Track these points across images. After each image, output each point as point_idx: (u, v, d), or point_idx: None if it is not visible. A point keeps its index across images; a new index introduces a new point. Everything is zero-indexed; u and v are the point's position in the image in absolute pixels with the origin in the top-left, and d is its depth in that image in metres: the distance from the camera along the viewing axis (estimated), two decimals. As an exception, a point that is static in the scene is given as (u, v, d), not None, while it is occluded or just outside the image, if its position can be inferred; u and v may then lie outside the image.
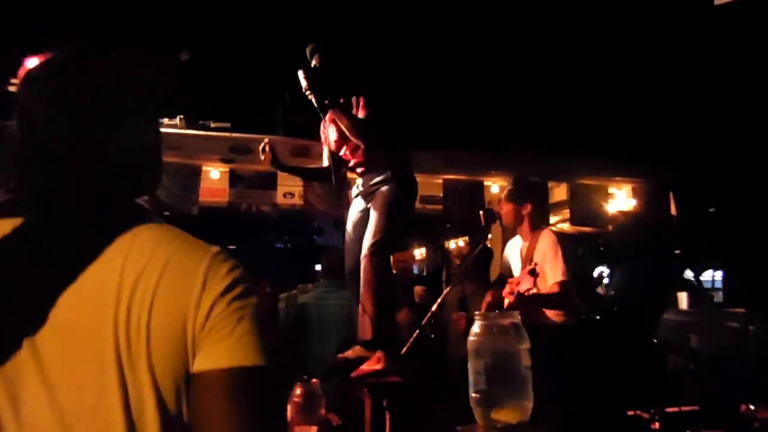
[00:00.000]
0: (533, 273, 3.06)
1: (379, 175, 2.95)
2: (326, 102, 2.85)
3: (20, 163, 0.83)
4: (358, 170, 3.06)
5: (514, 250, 3.45)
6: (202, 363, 0.76)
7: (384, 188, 2.91)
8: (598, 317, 3.95)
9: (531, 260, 3.22)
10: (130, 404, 0.74)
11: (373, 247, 2.80)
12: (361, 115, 2.89)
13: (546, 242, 3.22)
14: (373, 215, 2.89)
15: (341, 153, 3.10)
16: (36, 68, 0.83)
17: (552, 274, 3.12)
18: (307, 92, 2.90)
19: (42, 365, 0.74)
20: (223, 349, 0.76)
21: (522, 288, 3.07)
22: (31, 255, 0.78)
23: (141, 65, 0.88)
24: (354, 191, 3.17)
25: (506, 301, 3.14)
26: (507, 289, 3.21)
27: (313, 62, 2.97)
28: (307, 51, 2.98)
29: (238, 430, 0.75)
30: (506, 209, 3.39)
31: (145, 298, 0.76)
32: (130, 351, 0.75)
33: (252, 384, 0.77)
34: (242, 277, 0.81)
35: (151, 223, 0.83)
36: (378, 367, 2.83)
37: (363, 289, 2.85)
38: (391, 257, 4.52)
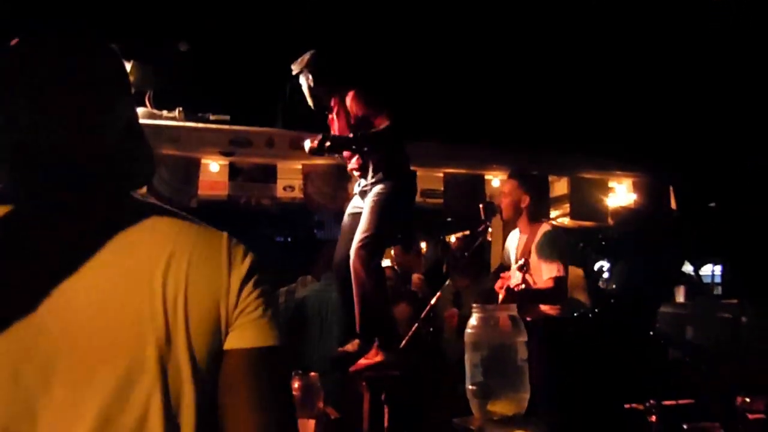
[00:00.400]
0: (522, 268, 3.07)
1: (375, 176, 3.05)
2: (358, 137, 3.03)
3: (5, 159, 0.82)
4: (356, 173, 3.17)
5: (513, 243, 3.46)
6: (235, 341, 0.83)
7: (377, 187, 3.00)
8: (596, 310, 3.95)
9: (529, 253, 3.23)
10: (168, 382, 0.77)
11: (362, 242, 2.89)
12: (380, 124, 2.99)
13: (544, 236, 3.23)
14: (365, 212, 2.97)
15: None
16: (9, 55, 0.82)
17: (547, 269, 3.13)
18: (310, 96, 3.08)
19: (77, 349, 0.76)
20: (255, 329, 0.83)
21: (512, 283, 3.09)
22: (41, 242, 0.79)
23: (117, 52, 0.88)
24: (355, 188, 3.25)
25: (499, 296, 3.16)
26: (498, 283, 3.23)
27: (304, 80, 3.11)
28: (295, 68, 3.12)
29: (268, 400, 0.82)
30: (505, 202, 3.40)
31: (179, 279, 0.80)
32: (168, 329, 0.79)
33: (278, 360, 0.85)
34: (255, 258, 0.88)
35: (164, 211, 0.87)
36: (377, 359, 2.85)
37: (354, 284, 2.91)
38: (398, 254, 4.56)
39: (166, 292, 0.79)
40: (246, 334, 0.83)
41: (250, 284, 0.84)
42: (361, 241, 2.91)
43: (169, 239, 0.83)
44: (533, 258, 3.20)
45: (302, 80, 3.19)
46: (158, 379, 0.77)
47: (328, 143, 2.96)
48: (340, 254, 3.17)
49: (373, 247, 2.92)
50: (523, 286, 3.10)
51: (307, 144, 3.03)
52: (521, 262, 3.16)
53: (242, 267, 0.85)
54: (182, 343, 0.79)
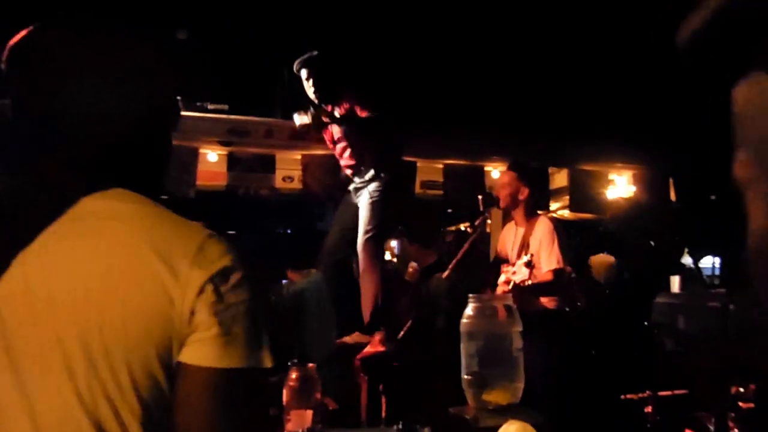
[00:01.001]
0: (529, 264, 3.07)
1: (366, 174, 3.13)
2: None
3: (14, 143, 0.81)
4: (348, 171, 3.25)
5: (510, 235, 3.45)
6: (192, 356, 0.72)
7: (372, 185, 3.08)
8: (592, 301, 3.95)
9: (527, 246, 3.23)
10: (103, 396, 0.69)
11: (368, 235, 2.98)
12: (362, 115, 3.06)
13: (542, 229, 3.22)
14: (364, 208, 3.07)
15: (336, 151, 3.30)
16: (17, 44, 0.81)
17: (547, 262, 3.13)
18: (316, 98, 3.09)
19: (10, 345, 0.71)
20: (216, 346, 0.72)
21: (517, 278, 3.09)
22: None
23: (124, 39, 0.86)
24: (351, 186, 3.32)
25: (501, 291, 3.17)
26: (502, 278, 3.23)
27: (304, 75, 3.16)
28: (295, 67, 3.16)
29: (222, 427, 0.72)
30: (503, 194, 3.38)
31: (125, 278, 0.71)
32: (103, 336, 0.70)
33: (241, 385, 0.74)
34: (236, 263, 0.75)
35: (143, 200, 0.80)
36: (380, 349, 2.88)
37: (363, 276, 3.00)
38: (405, 246, 4.59)
39: (107, 285, 0.71)
40: (203, 350, 0.72)
41: (215, 290, 0.72)
42: (366, 233, 3.02)
43: (134, 230, 0.75)
44: (532, 250, 3.20)
45: (303, 74, 3.22)
46: (87, 390, 0.69)
47: (318, 118, 2.99)
48: (329, 246, 3.27)
49: (377, 240, 3.02)
50: (530, 282, 3.11)
51: (298, 119, 3.05)
52: (527, 258, 3.16)
53: (209, 269, 0.73)
54: (119, 348, 0.70)
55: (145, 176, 0.86)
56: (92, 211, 0.76)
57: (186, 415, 0.71)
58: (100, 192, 0.78)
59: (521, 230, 3.33)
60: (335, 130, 3.28)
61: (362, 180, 3.20)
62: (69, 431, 0.68)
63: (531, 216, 3.33)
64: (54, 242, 0.74)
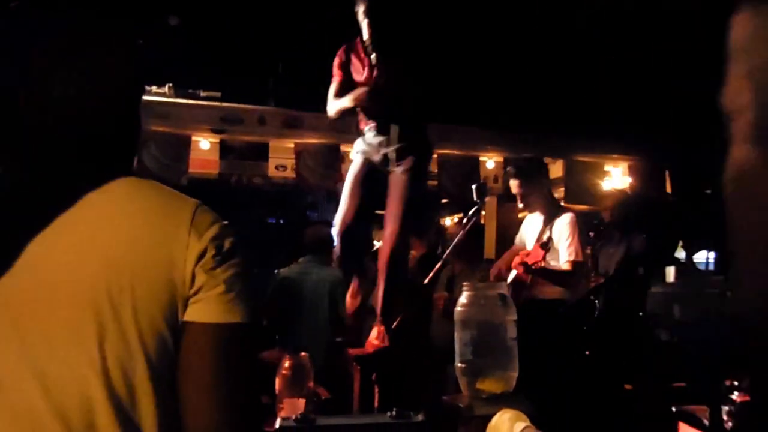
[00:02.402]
0: (544, 246, 3.03)
1: (390, 143, 2.82)
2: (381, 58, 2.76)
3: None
4: (371, 124, 2.85)
5: (531, 226, 3.42)
6: (195, 314, 0.77)
7: (400, 166, 2.79)
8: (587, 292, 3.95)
9: (548, 237, 3.19)
10: (112, 355, 0.72)
11: (400, 229, 2.79)
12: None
13: (564, 222, 3.19)
14: (395, 195, 2.82)
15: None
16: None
17: (565, 253, 3.11)
18: (369, 45, 2.79)
19: (15, 319, 0.72)
20: (218, 304, 0.77)
21: (530, 260, 3.05)
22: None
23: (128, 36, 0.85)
24: (357, 146, 2.96)
25: (513, 272, 3.14)
26: (516, 260, 3.20)
27: (365, 23, 2.86)
28: (358, 12, 2.89)
29: (226, 378, 0.77)
30: (526, 191, 3.32)
31: (129, 240, 0.75)
32: (111, 295, 0.73)
33: (241, 337, 0.80)
34: (227, 229, 0.81)
35: (130, 176, 0.82)
36: (385, 344, 2.84)
37: (392, 268, 2.85)
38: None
39: (113, 254, 0.74)
40: (208, 308, 0.77)
41: (214, 254, 0.78)
42: (400, 227, 2.81)
43: (127, 200, 0.78)
44: (552, 241, 3.16)
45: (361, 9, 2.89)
46: (98, 352, 0.71)
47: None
48: (348, 220, 2.97)
49: (406, 235, 2.89)
50: (542, 264, 3.07)
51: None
52: (545, 238, 3.13)
53: (205, 235, 0.78)
54: (128, 311, 0.73)
55: (122, 156, 0.87)
56: (93, 190, 0.78)
57: (194, 369, 0.76)
58: (93, 174, 0.80)
59: (541, 220, 3.31)
60: (360, 69, 2.96)
61: (386, 150, 2.82)
62: (79, 393, 0.71)
63: (552, 207, 3.31)
64: (58, 218, 0.76)
